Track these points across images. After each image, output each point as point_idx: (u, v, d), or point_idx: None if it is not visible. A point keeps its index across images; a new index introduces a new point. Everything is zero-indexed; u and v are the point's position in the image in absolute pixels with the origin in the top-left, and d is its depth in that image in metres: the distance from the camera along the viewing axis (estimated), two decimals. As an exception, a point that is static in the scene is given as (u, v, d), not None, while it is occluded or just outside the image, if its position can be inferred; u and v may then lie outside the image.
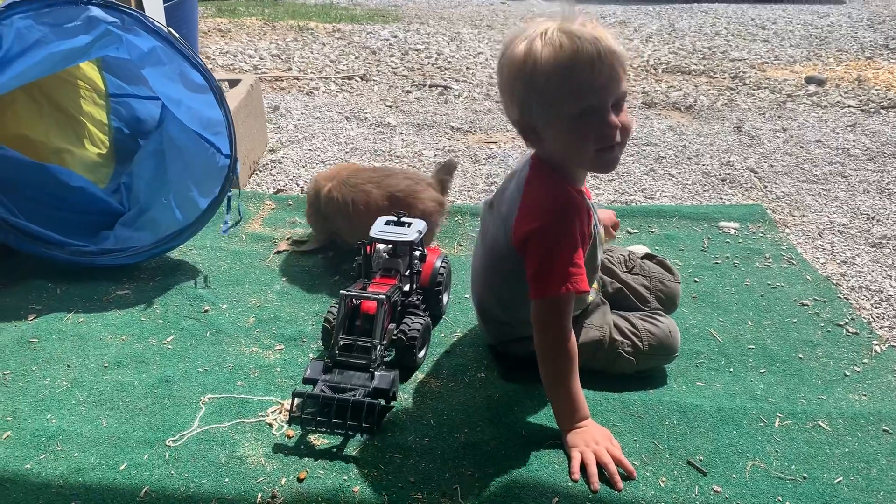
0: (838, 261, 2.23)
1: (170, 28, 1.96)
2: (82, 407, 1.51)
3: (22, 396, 1.54)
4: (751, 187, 2.84)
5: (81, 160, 2.34)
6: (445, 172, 2.15)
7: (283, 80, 4.51)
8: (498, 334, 1.66)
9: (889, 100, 4.08)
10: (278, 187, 2.80)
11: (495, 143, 3.39)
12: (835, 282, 2.09)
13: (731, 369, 1.68)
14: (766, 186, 2.85)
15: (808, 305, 1.95)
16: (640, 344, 1.59)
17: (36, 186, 2.05)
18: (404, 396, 1.55)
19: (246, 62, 4.98)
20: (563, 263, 1.36)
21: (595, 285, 1.64)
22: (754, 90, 4.39)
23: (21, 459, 1.35)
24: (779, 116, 3.83)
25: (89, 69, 2.42)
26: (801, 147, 3.31)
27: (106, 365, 1.66)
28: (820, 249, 2.31)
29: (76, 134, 2.39)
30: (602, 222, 1.63)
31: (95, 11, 1.84)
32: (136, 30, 1.89)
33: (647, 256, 1.85)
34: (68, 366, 1.65)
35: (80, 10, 1.84)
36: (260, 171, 2.94)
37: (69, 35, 1.84)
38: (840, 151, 3.24)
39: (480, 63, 5.16)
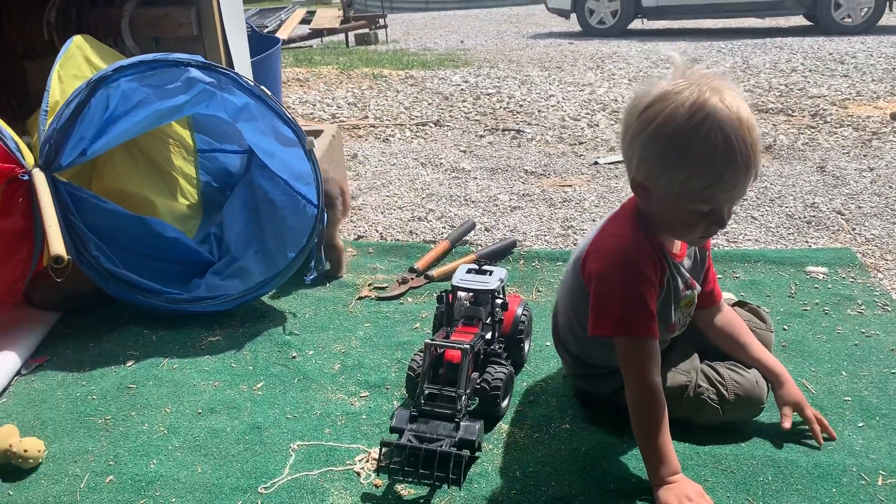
0: (937, 307, 2.13)
1: (261, 86, 2.06)
2: (178, 452, 1.57)
3: (122, 441, 1.61)
4: (838, 230, 2.75)
5: (172, 212, 2.46)
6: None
7: (360, 128, 4.64)
8: (571, 366, 1.67)
9: (983, 135, 3.91)
10: (358, 234, 2.87)
11: (570, 186, 3.39)
12: (935, 330, 2.00)
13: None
14: (854, 229, 2.75)
15: (906, 355, 1.86)
16: (725, 393, 1.54)
17: (134, 237, 2.16)
18: (489, 447, 1.55)
19: (324, 111, 5.16)
20: (616, 306, 1.38)
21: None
22: (836, 128, 4.28)
23: (124, 504, 1.41)
24: (864, 155, 3.72)
25: (179, 127, 2.55)
26: (891, 187, 3.19)
27: (200, 411, 1.72)
28: (916, 295, 2.21)
29: (168, 187, 2.51)
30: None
31: (195, 73, 1.95)
32: (231, 88, 2.00)
33: (739, 304, 1.80)
34: (164, 411, 1.72)
35: (180, 72, 1.95)
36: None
37: (169, 95, 1.95)
38: (932, 191, 3.11)
39: (552, 106, 5.19)
